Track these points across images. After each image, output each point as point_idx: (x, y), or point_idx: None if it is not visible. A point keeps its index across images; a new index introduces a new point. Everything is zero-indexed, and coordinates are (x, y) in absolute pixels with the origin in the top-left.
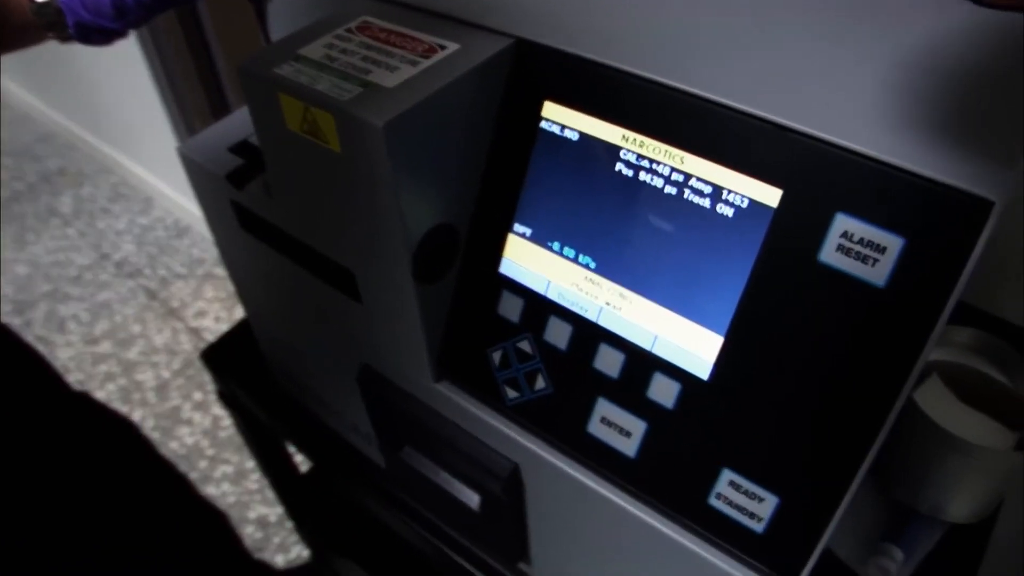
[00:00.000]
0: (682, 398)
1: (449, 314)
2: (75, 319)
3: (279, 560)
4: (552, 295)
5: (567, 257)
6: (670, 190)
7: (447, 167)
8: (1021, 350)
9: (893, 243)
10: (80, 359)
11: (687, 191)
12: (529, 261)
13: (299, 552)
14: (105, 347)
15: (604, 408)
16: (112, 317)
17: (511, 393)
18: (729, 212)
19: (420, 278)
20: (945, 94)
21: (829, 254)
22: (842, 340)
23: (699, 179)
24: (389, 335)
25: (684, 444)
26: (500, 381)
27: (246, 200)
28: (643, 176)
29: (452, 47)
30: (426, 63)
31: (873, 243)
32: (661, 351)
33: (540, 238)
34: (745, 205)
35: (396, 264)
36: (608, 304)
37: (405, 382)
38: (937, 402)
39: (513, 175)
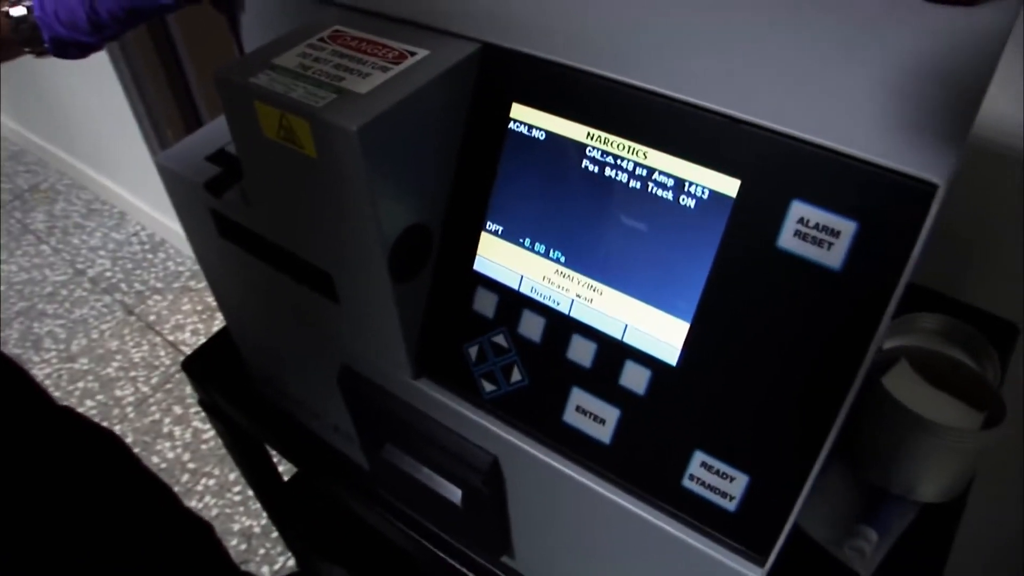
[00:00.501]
0: (653, 384)
1: (426, 312)
2: (51, 336)
3: (265, 572)
4: (525, 289)
5: (538, 252)
6: (635, 184)
7: (420, 169)
8: (986, 334)
9: (847, 227)
10: (57, 377)
11: (651, 185)
12: (502, 257)
13: (285, 563)
14: (82, 364)
15: (579, 397)
16: (89, 334)
17: (488, 387)
18: (691, 203)
19: (396, 277)
20: (892, 82)
21: (787, 240)
22: (802, 322)
23: (662, 172)
24: (368, 335)
25: (657, 428)
26: (477, 375)
27: (224, 208)
28: (609, 172)
29: (421, 53)
30: (396, 69)
31: (828, 228)
32: (631, 339)
33: (511, 235)
34: (706, 196)
35: (372, 264)
36: (579, 296)
37: (385, 381)
38: (906, 386)
39: (484, 175)
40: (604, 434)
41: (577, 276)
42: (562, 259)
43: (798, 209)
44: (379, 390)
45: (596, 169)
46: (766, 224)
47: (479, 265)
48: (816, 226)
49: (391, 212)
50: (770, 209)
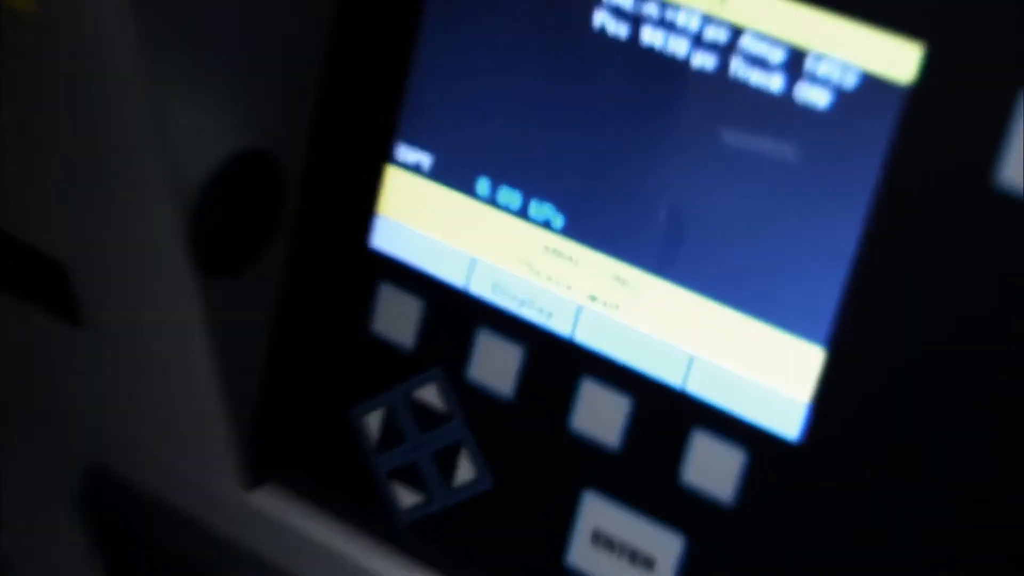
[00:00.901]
0: (752, 481)
1: (272, 341)
2: None
3: None
4: (480, 287)
5: (509, 208)
6: (703, 61)
7: (251, 35)
8: None
9: None
10: None
11: (735, 62)
12: (431, 220)
13: None
14: None
15: (597, 512)
16: None
17: (407, 497)
18: (821, 99)
19: (209, 267)
20: None
21: (1016, 172)
22: None
23: (758, 36)
24: (144, 391)
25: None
26: (383, 474)
27: None
28: (648, 36)
29: None
30: None
31: None
32: (701, 387)
33: (451, 172)
34: (852, 83)
35: (155, 241)
36: (594, 299)
37: (182, 493)
38: None
39: (388, 51)
40: None
41: (589, 256)
42: (558, 222)
43: None
44: (170, 515)
45: (622, 30)
46: (975, 142)
47: (382, 238)
48: None
49: (194, 126)
50: (984, 111)
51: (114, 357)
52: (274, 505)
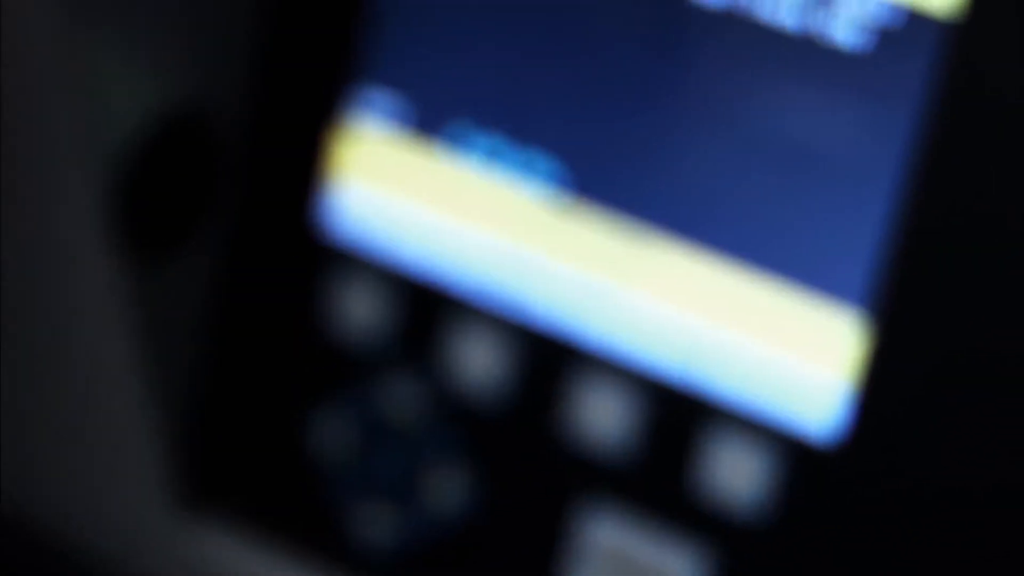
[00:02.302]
0: (783, 488)
1: (207, 341)
2: None
3: None
4: (456, 267)
5: (488, 171)
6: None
7: None
8: None
9: None
10: None
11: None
12: (397, 189)
13: None
14: None
15: (601, 532)
16: None
17: (370, 525)
18: (851, 40)
19: (136, 249)
20: None
21: None
22: None
23: None
24: (47, 406)
25: None
26: (341, 497)
27: None
28: None
29: None
30: None
31: None
32: (721, 379)
33: (420, 126)
34: (886, 22)
35: (72, 222)
36: (593, 276)
37: (102, 527)
38: None
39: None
40: None
41: (585, 227)
42: (550, 188)
43: None
44: (89, 556)
45: None
46: None
47: (336, 213)
48: None
49: (114, 78)
50: None
51: (23, 368)
52: (211, 536)
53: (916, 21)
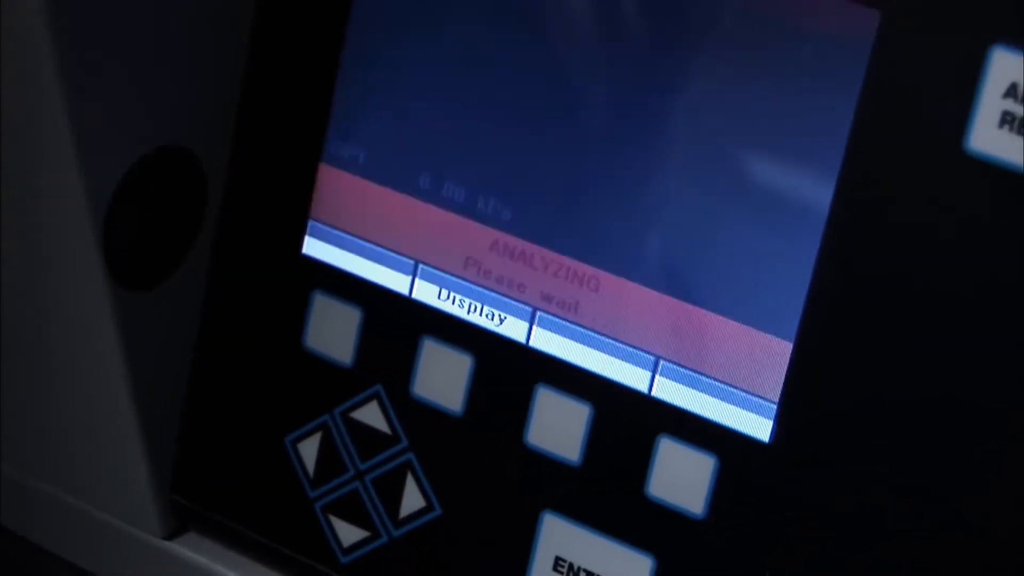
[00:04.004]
0: (723, 488)
1: (194, 363)
2: None
3: None
4: (424, 292)
5: (453, 205)
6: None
7: (171, 24)
8: None
9: None
10: None
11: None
12: (370, 222)
13: None
14: None
15: (559, 536)
16: None
17: (349, 534)
18: (782, 68)
19: (124, 279)
20: None
21: (987, 133)
22: None
23: None
24: (40, 424)
25: None
26: (320, 511)
27: None
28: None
29: None
30: None
31: None
32: (667, 392)
33: (389, 168)
34: (813, 52)
35: (64, 251)
36: (549, 300)
37: (93, 547)
38: None
39: (317, 37)
40: None
41: (543, 254)
42: (507, 218)
43: (1006, 65)
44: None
45: None
46: (942, 106)
47: (315, 243)
48: None
49: (105, 118)
50: (948, 72)
51: (18, 392)
52: (199, 554)
53: (835, 43)
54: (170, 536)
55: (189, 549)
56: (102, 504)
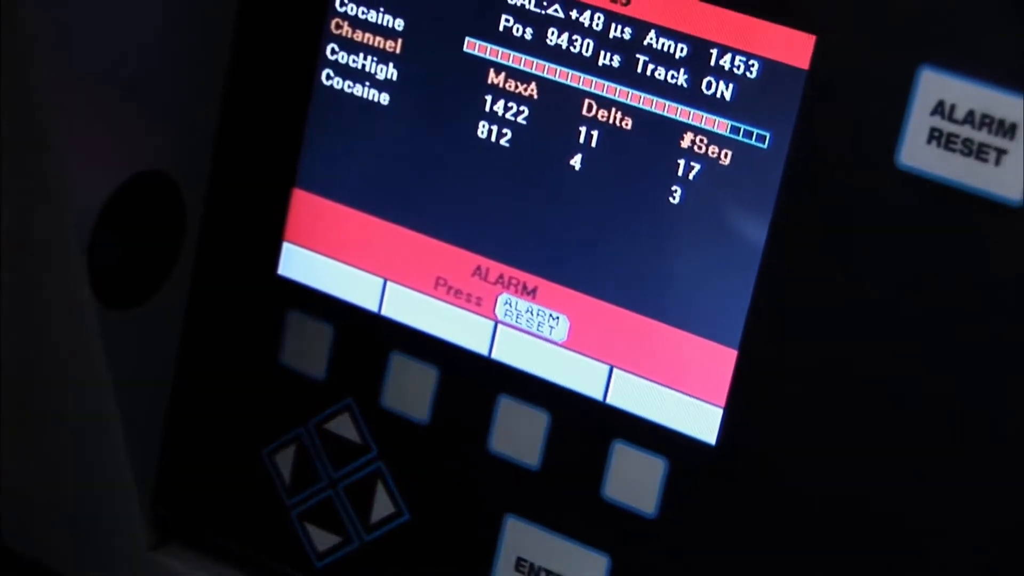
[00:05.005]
0: (672, 490)
1: (176, 379)
2: None
3: None
4: (393, 309)
5: (416, 227)
6: (609, 61)
7: (150, 48)
8: None
9: None
10: None
11: (642, 60)
12: (340, 245)
13: None
14: None
15: (520, 538)
16: None
17: (323, 540)
18: (723, 92)
19: (108, 298)
20: None
21: (916, 149)
22: (968, 321)
23: (664, 32)
24: (31, 447)
25: None
26: (296, 519)
27: None
28: (554, 37)
29: None
30: None
31: (992, 120)
32: (621, 399)
33: (357, 195)
34: (754, 74)
35: (45, 265)
36: (509, 312)
37: (74, 563)
38: None
39: (290, 73)
40: None
41: (501, 269)
42: (471, 237)
43: (934, 85)
44: None
45: (528, 32)
46: (874, 124)
47: (289, 265)
48: (970, 117)
49: (90, 144)
50: (879, 91)
51: (5, 412)
52: (182, 563)
53: (773, 72)
54: (154, 547)
55: (172, 559)
56: (88, 515)
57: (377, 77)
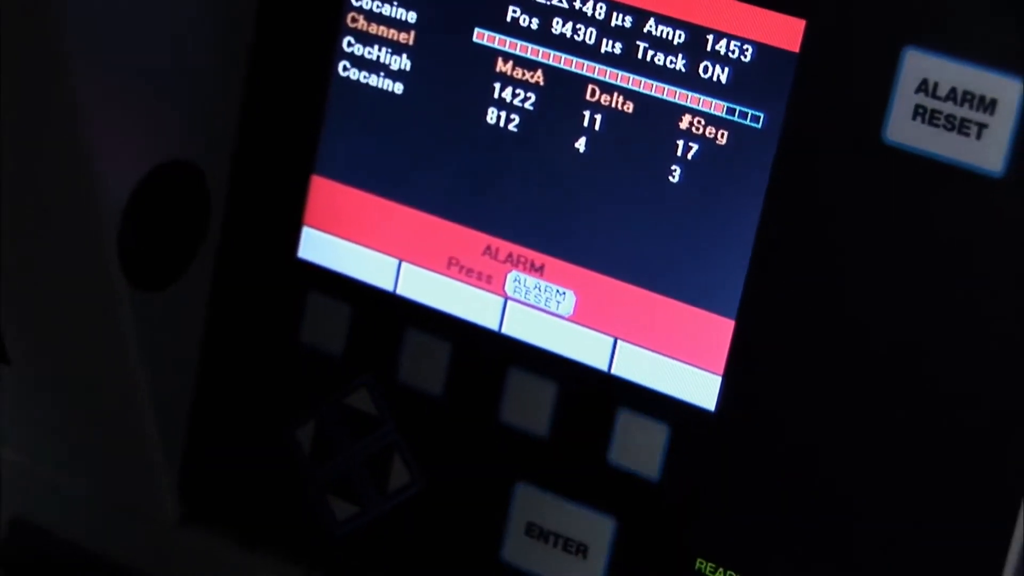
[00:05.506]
0: (675, 455)
1: (202, 357)
2: None
3: None
4: (408, 288)
5: (429, 209)
6: (612, 48)
7: (176, 42)
8: None
9: (1008, 93)
10: None
11: (642, 47)
12: (357, 228)
13: None
14: None
15: (531, 504)
16: None
17: (343, 510)
18: (720, 75)
19: (138, 279)
20: None
21: (901, 125)
22: (953, 285)
23: (661, 20)
24: (64, 427)
25: (692, 548)
26: (317, 490)
27: None
28: (559, 27)
29: None
30: None
31: (973, 96)
32: (626, 369)
33: (373, 180)
34: (748, 57)
35: (82, 258)
36: (518, 289)
37: (112, 538)
38: None
39: (309, 65)
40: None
41: (510, 248)
42: (482, 218)
43: (917, 64)
44: (98, 563)
45: (534, 22)
46: (861, 102)
47: (308, 248)
48: (952, 94)
49: (119, 130)
50: (866, 71)
51: (40, 393)
52: (207, 538)
53: (767, 55)
54: (182, 520)
55: (199, 531)
56: (117, 491)
57: (391, 68)
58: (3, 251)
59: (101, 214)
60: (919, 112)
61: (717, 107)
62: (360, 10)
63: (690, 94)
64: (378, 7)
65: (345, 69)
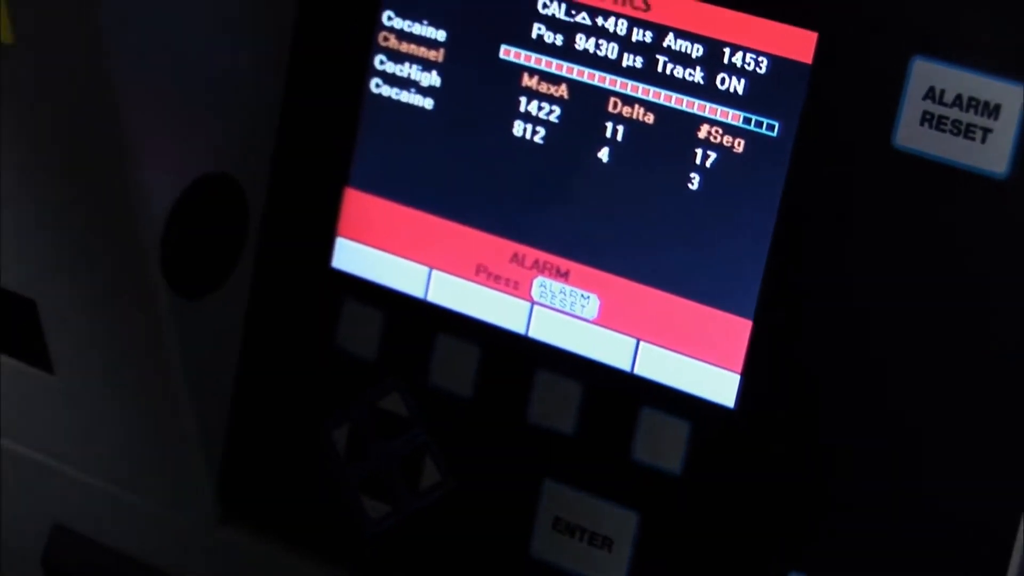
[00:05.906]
0: (696, 451)
1: (241, 363)
2: None
3: None
4: (438, 295)
5: (459, 219)
6: (632, 63)
7: (216, 60)
8: None
9: (1010, 99)
10: None
11: (662, 60)
12: (389, 238)
13: None
14: None
15: (558, 500)
16: None
17: (376, 508)
18: (736, 87)
19: (180, 288)
20: None
21: (910, 131)
22: (961, 282)
23: (680, 35)
24: (105, 432)
25: (713, 540)
26: (351, 490)
27: None
28: (582, 43)
29: None
30: None
31: (978, 102)
32: (649, 369)
33: (404, 192)
34: (764, 69)
35: (125, 267)
36: (544, 292)
37: (150, 543)
38: None
39: (343, 81)
40: (615, 568)
41: (539, 256)
42: (509, 226)
43: (925, 73)
44: (138, 568)
45: (558, 39)
46: (872, 109)
47: (342, 258)
48: (958, 100)
49: (162, 147)
50: (876, 80)
51: (82, 399)
52: (245, 539)
53: (781, 67)
54: (222, 520)
55: (239, 532)
56: (158, 495)
57: (421, 84)
58: (49, 260)
59: (145, 225)
60: (927, 118)
61: (734, 117)
62: (392, 30)
63: (708, 105)
64: (409, 26)
65: (377, 86)
